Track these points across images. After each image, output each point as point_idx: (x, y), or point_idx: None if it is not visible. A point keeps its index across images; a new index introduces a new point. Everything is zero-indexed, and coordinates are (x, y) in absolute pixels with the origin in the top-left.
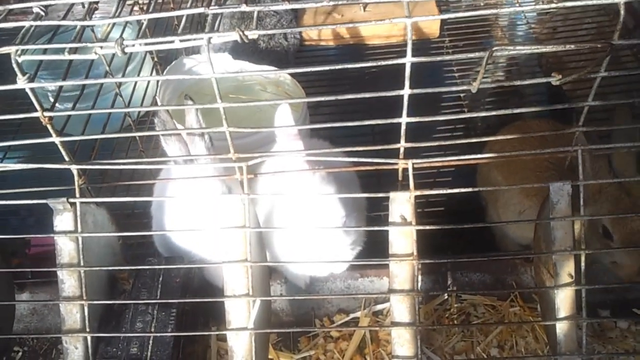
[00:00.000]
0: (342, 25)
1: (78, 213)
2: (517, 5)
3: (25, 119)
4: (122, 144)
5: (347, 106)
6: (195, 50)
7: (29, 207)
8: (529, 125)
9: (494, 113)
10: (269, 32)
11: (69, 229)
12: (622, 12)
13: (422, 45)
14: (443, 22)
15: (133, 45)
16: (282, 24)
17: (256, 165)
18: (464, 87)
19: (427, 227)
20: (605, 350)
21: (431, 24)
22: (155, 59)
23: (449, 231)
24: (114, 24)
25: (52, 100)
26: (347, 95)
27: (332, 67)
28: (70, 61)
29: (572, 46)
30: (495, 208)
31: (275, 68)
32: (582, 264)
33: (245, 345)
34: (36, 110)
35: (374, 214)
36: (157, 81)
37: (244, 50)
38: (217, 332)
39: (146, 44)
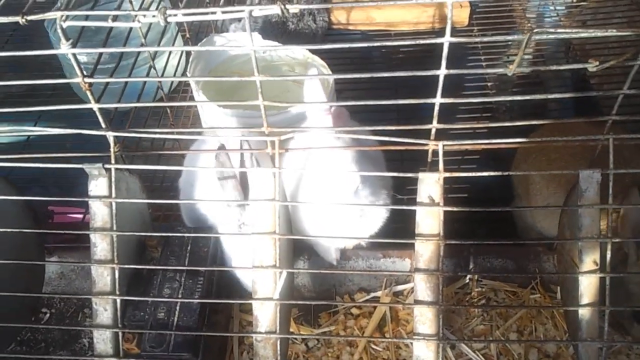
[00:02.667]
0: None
1: (113, 179)
2: None
3: (56, 90)
4: (152, 120)
5: (372, 91)
6: (224, 29)
7: (53, 177)
8: (560, 125)
9: (528, 97)
10: (310, 6)
11: (104, 194)
12: None
13: (452, 32)
14: (472, 11)
15: (176, 15)
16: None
17: (286, 141)
18: (500, 71)
19: (455, 209)
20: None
21: (460, 13)
22: (187, 36)
23: (471, 219)
24: None
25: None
26: (380, 74)
27: (368, 44)
28: (110, 31)
29: (614, 30)
30: (527, 199)
31: (306, 48)
32: (608, 253)
33: (269, 315)
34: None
35: (397, 195)
36: (188, 58)
37: (272, 32)
38: (243, 301)
39: (188, 14)
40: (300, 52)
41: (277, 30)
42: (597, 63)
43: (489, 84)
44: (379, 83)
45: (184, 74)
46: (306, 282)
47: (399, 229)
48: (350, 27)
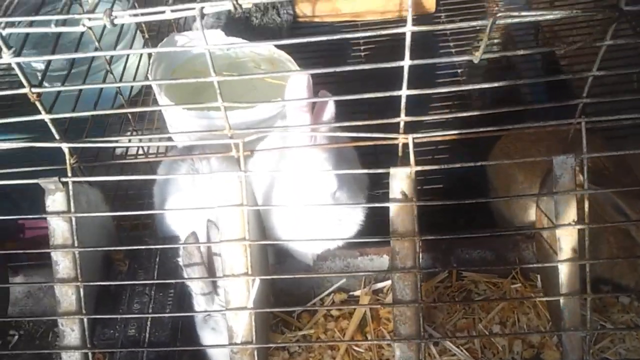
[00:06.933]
0: None
1: (70, 193)
2: None
3: (15, 100)
4: (113, 126)
5: (343, 84)
6: (187, 27)
7: (21, 190)
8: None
9: (496, 84)
10: (263, 0)
11: (62, 209)
12: None
13: (419, 20)
14: None
15: (123, 17)
16: None
17: (253, 143)
18: (466, 58)
19: (429, 203)
20: (607, 325)
21: None
22: (147, 36)
23: (448, 212)
24: None
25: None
26: (346, 68)
27: (333, 37)
28: (58, 36)
29: (579, 12)
30: (505, 193)
31: (270, 43)
32: (586, 238)
33: (245, 325)
34: (23, 87)
35: (373, 192)
36: (149, 59)
37: (236, 28)
38: (217, 310)
39: (136, 15)
40: (265, 47)
41: (241, 26)
42: (565, 46)
43: (459, 70)
44: (350, 77)
45: (145, 77)
46: (284, 287)
47: (377, 225)
48: (316, 20)
